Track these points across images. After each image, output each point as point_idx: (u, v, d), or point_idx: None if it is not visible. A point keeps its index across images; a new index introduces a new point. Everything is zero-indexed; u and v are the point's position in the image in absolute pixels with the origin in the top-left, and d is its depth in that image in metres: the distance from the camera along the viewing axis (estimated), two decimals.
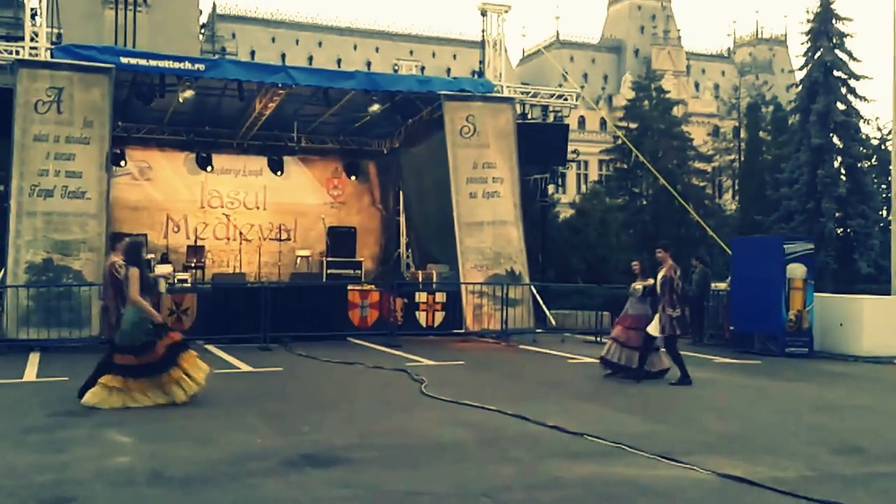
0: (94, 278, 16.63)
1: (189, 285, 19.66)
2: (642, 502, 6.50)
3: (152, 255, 21.50)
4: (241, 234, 24.70)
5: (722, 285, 20.61)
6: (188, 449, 8.12)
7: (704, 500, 6.60)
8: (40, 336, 16.18)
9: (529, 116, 23.95)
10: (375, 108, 21.71)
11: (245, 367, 14.26)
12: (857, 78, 42.35)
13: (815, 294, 17.96)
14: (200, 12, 61.58)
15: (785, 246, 17.80)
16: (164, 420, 9.60)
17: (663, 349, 13.31)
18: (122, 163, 23.20)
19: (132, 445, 8.29)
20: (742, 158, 53.97)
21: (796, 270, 17.55)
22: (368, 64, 76.47)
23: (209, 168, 24.50)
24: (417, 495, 6.59)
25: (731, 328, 18.64)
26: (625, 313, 13.73)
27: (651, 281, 13.24)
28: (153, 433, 8.84)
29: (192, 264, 22.46)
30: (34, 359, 15.07)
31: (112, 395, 10.19)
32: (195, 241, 23.68)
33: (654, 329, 12.87)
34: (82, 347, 16.26)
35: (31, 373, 13.64)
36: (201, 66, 19.19)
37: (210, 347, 16.82)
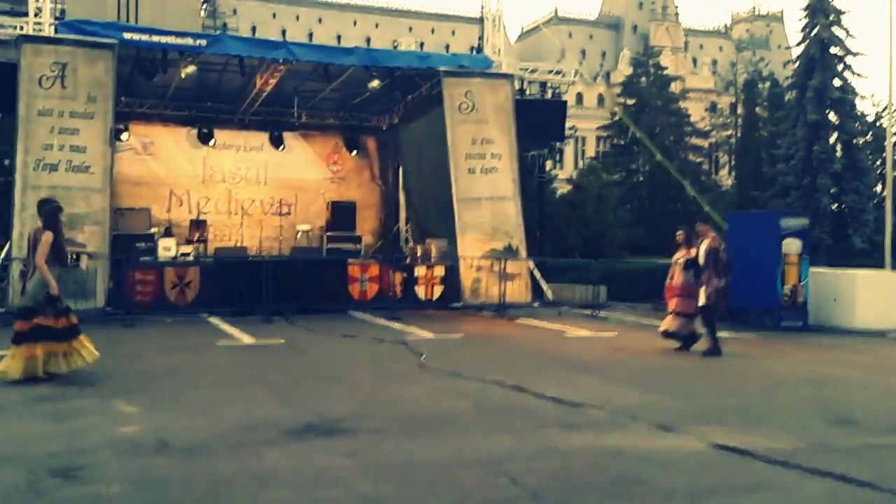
0: (98, 251, 16.89)
1: (192, 259, 19.86)
2: (638, 472, 6.57)
3: (156, 229, 21.71)
4: (242, 208, 24.83)
5: None
6: (193, 419, 8.24)
7: (700, 470, 6.67)
8: None
9: (528, 93, 24.11)
10: (375, 83, 21.84)
11: (248, 340, 14.40)
12: (854, 54, 42.38)
13: (810, 269, 18.19)
14: None
15: (780, 221, 17.99)
16: (169, 391, 9.79)
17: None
18: (125, 137, 23.29)
19: (138, 415, 8.43)
20: (739, 134, 54.06)
21: (791, 246, 17.75)
22: (368, 40, 76.37)
23: (211, 143, 24.63)
24: (417, 464, 6.69)
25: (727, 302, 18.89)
26: (671, 283, 13.90)
27: (693, 252, 13.42)
28: (159, 403, 9.02)
29: (195, 238, 22.54)
30: None
31: (13, 363, 10.05)
32: (197, 216, 23.76)
33: (701, 298, 13.15)
34: (88, 319, 16.45)
35: None
36: (203, 42, 19.27)
37: (213, 320, 17.04)
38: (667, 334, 13.79)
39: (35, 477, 6.17)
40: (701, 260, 13.25)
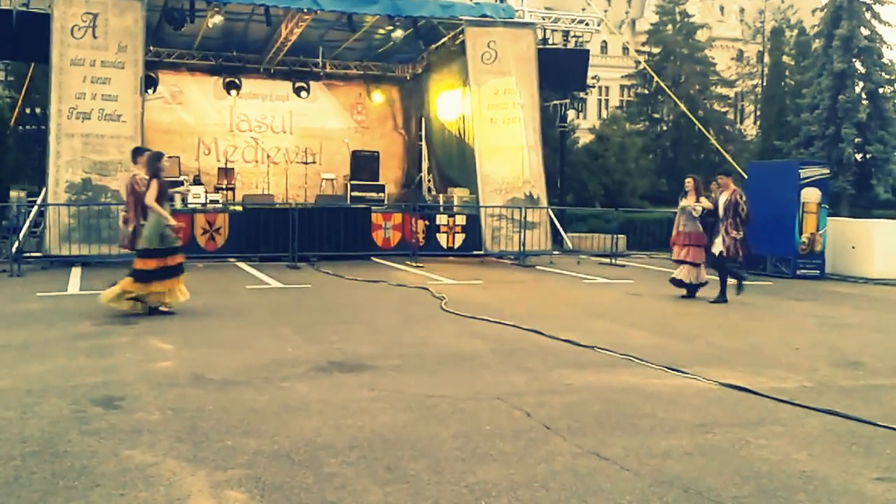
0: None
1: (221, 206, 20.22)
2: (646, 407, 6.78)
3: (185, 177, 22.09)
4: (268, 157, 25.09)
5: None
6: (225, 355, 8.53)
7: (705, 407, 6.85)
8: (81, 252, 16.83)
9: (550, 42, 24.09)
10: (398, 33, 21.97)
11: (275, 284, 14.74)
12: (882, 3, 41.77)
13: (829, 218, 18.34)
14: None
15: (800, 170, 18.12)
16: (201, 329, 10.14)
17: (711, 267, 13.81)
18: (155, 87, 23.59)
19: (173, 351, 8.75)
20: (764, 83, 53.55)
21: (811, 195, 17.89)
22: None
23: (237, 92, 24.90)
24: (436, 398, 6.95)
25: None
26: (678, 232, 14.00)
27: (709, 204, 13.57)
28: (192, 341, 9.34)
29: (223, 186, 22.90)
30: (76, 273, 15.75)
31: (121, 301, 10.87)
32: (225, 164, 24.05)
33: (717, 247, 13.35)
34: (121, 263, 16.94)
35: (74, 286, 14.25)
36: None
37: (241, 265, 17.45)
38: (676, 282, 14.00)
39: (79, 406, 6.46)
40: (721, 211, 13.42)
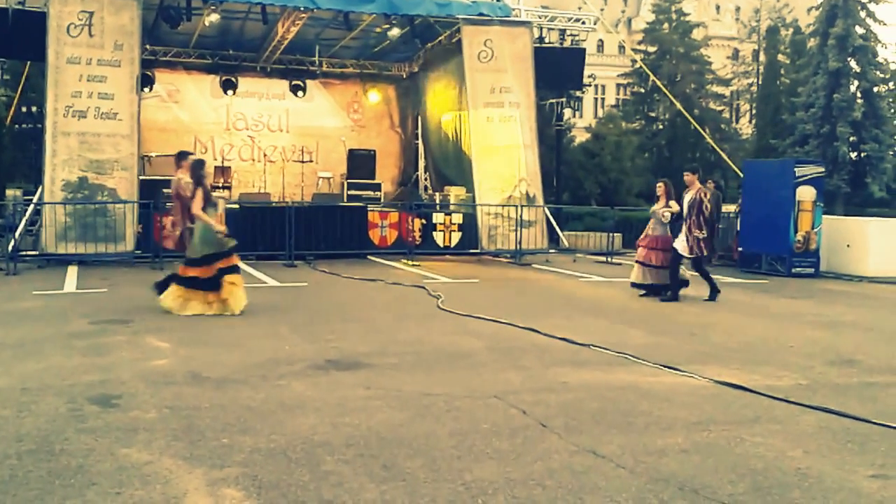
0: (127, 196, 17.31)
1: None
2: (642, 405, 6.79)
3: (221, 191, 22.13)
4: (265, 155, 25.14)
5: (732, 207, 21.03)
6: (222, 354, 8.54)
7: (701, 405, 6.87)
8: (78, 250, 16.82)
9: (547, 40, 24.11)
10: (395, 32, 21.97)
11: (272, 282, 14.75)
12: (877, 2, 41.89)
13: (824, 216, 18.37)
14: None
15: (795, 169, 18.12)
16: (198, 328, 10.13)
17: (691, 269, 13.79)
18: (151, 86, 23.60)
19: (170, 350, 8.75)
20: (760, 82, 53.60)
21: (806, 193, 17.90)
22: None
23: (234, 91, 24.92)
24: (433, 396, 6.97)
25: (740, 249, 19.14)
26: (646, 235, 13.95)
27: (677, 208, 13.45)
28: (189, 340, 9.34)
29: (220, 184, 22.86)
30: (73, 272, 15.74)
31: (178, 304, 11.04)
32: (222, 162, 24.07)
33: (681, 247, 13.23)
34: (118, 261, 16.99)
35: (70, 284, 14.22)
36: None
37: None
38: (634, 285, 13.98)
39: (76, 405, 6.47)
40: (685, 209, 13.28)
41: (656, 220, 13.75)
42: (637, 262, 14.09)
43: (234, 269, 11.38)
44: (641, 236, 14.16)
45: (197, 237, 11.18)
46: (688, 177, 13.73)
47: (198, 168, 11.45)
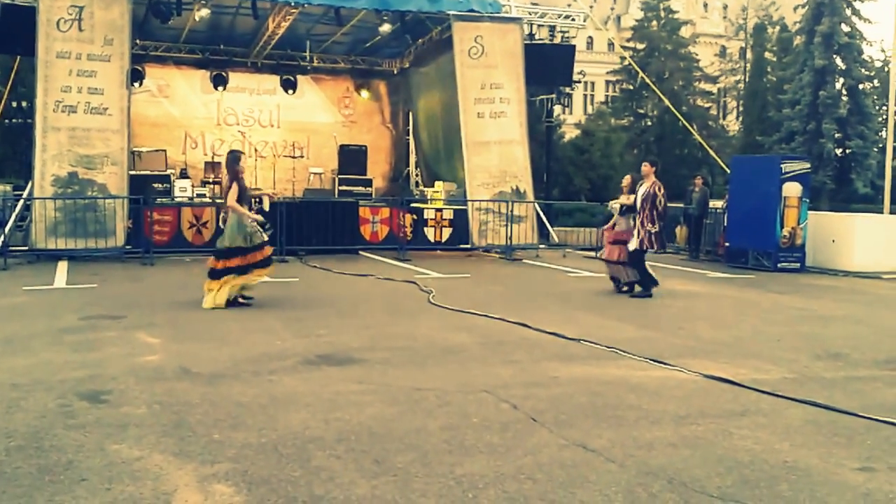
0: (117, 191, 17.28)
1: (208, 199, 20.20)
2: (631, 399, 6.83)
3: (172, 171, 22.06)
4: (255, 150, 25.06)
5: (719, 203, 21.11)
6: (213, 349, 8.50)
7: (689, 398, 6.90)
8: (68, 246, 16.80)
9: (537, 37, 24.14)
10: (386, 27, 21.95)
11: (263, 278, 14.73)
12: (862, 0, 42.20)
13: (810, 212, 18.47)
14: None
15: (782, 165, 18.23)
16: (188, 323, 10.11)
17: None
18: (141, 81, 23.56)
19: (160, 345, 8.72)
20: (747, 79, 53.79)
21: (792, 189, 18.00)
22: None
23: (224, 86, 24.90)
24: (424, 390, 6.97)
25: (727, 244, 19.21)
26: (610, 229, 13.98)
27: (631, 199, 13.35)
28: (179, 335, 9.31)
29: (210, 179, 22.85)
30: (63, 267, 15.68)
31: (211, 295, 11.24)
32: (212, 158, 24.01)
33: (633, 243, 13.15)
34: (108, 257, 16.94)
35: (60, 280, 14.14)
36: None
37: None
38: (611, 278, 14.01)
39: (65, 400, 6.44)
40: (638, 202, 13.12)
41: (619, 214, 13.73)
42: (602, 258, 14.18)
43: (264, 263, 11.66)
44: (606, 228, 14.19)
45: (228, 229, 11.40)
46: (645, 167, 13.44)
47: (233, 163, 11.55)
